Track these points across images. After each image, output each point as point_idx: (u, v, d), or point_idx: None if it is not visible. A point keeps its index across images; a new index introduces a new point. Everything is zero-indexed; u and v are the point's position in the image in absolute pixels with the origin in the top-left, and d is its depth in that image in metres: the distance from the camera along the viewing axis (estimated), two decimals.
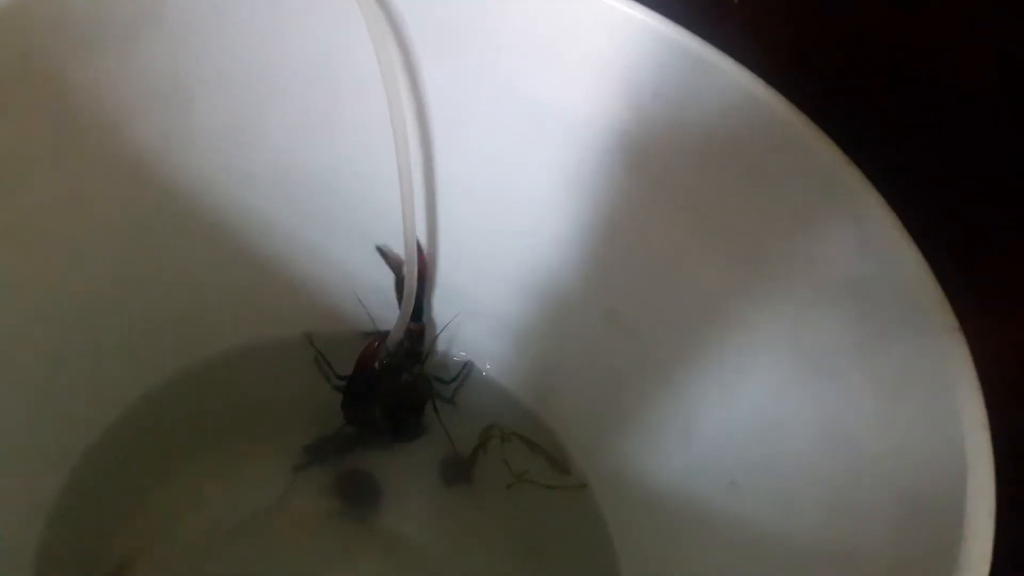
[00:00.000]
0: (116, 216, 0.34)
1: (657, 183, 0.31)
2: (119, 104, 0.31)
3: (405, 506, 0.40)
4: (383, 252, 0.39)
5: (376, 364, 0.39)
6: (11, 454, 0.33)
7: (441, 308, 0.42)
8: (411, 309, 0.38)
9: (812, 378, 0.29)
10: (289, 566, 0.38)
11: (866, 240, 0.27)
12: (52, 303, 0.34)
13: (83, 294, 0.35)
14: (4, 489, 0.33)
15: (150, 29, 0.30)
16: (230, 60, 0.32)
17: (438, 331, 0.42)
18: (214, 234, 0.38)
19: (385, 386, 0.39)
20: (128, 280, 0.37)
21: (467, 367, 0.43)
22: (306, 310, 0.41)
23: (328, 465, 0.40)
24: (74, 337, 0.35)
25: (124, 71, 0.31)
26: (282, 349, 0.42)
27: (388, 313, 0.39)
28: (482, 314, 0.41)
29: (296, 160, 0.36)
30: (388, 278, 0.39)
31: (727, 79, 0.28)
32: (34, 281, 0.33)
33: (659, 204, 0.32)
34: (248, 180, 0.36)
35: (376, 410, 0.40)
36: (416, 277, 0.36)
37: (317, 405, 0.40)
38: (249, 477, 0.40)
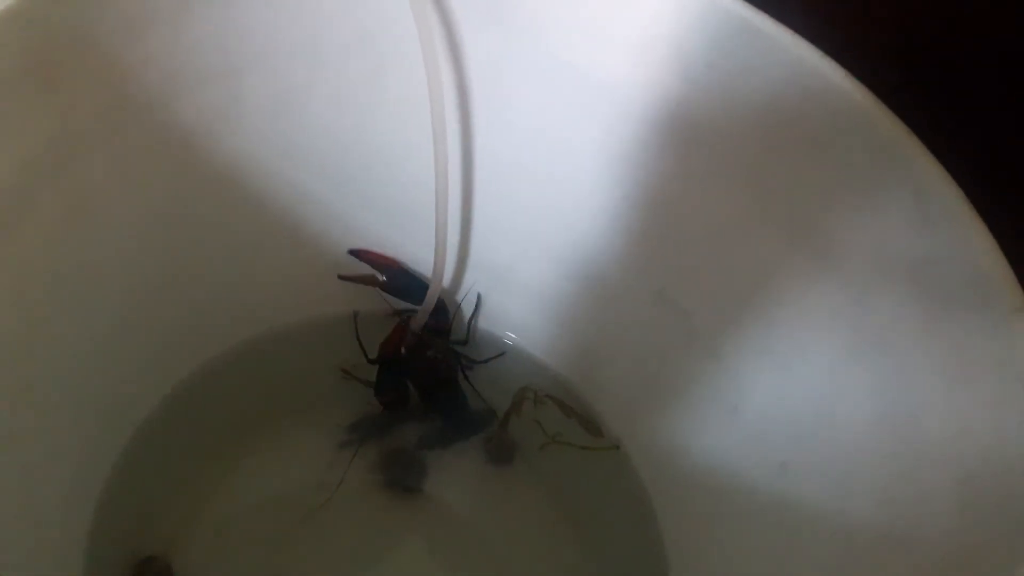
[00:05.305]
0: (163, 193, 0.34)
1: (710, 158, 0.30)
2: (167, 81, 0.31)
3: (449, 481, 0.40)
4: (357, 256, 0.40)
5: (402, 349, 0.38)
6: (62, 433, 0.33)
7: (480, 287, 0.41)
8: (437, 295, 0.38)
9: (870, 358, 0.28)
10: (337, 542, 0.38)
11: (929, 216, 0.26)
12: (101, 281, 0.34)
13: (131, 272, 0.35)
14: (57, 468, 0.33)
15: (198, 5, 0.30)
16: (275, 34, 0.32)
17: (458, 303, 0.42)
18: (257, 212, 0.37)
19: (414, 367, 0.39)
20: (175, 258, 0.36)
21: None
22: (348, 288, 0.41)
23: (372, 443, 0.40)
24: (121, 316, 0.35)
25: (173, 48, 0.30)
26: (325, 327, 0.42)
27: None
28: (522, 292, 0.40)
29: (336, 137, 0.36)
30: (428, 253, 0.39)
31: (784, 50, 0.27)
32: (86, 259, 0.33)
33: (711, 180, 0.31)
34: (289, 157, 0.36)
35: (408, 392, 0.40)
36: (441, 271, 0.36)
37: (360, 384, 0.40)
38: (295, 454, 0.40)
